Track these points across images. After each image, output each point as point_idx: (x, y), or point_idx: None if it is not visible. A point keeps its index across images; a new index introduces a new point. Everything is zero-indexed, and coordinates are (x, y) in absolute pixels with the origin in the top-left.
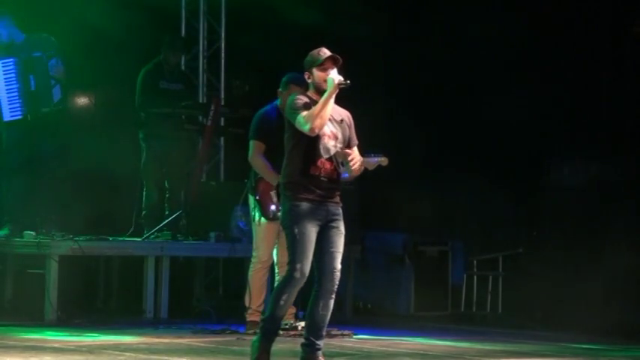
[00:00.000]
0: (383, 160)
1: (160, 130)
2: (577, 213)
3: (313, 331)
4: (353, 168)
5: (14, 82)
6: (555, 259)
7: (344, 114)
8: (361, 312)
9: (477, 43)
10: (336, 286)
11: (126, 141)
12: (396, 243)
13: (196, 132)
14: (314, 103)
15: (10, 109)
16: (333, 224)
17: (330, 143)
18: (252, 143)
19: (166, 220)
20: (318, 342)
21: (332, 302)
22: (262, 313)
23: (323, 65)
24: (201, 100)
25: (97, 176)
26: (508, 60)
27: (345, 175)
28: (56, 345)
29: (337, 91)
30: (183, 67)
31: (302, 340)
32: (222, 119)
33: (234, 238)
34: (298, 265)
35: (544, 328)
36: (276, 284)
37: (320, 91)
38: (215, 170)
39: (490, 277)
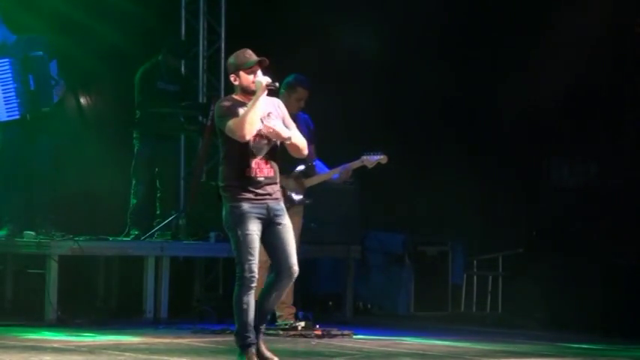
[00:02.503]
0: (382, 159)
1: (155, 130)
2: (577, 213)
3: (262, 321)
4: (269, 132)
5: (10, 82)
6: (555, 260)
7: (271, 105)
8: (361, 312)
9: (477, 42)
10: (293, 281)
11: (124, 141)
12: (396, 243)
13: (196, 132)
14: (241, 105)
15: (7, 109)
16: (278, 220)
17: (262, 142)
18: None
19: (166, 220)
20: (261, 327)
21: (283, 294)
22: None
23: (251, 68)
24: (201, 100)
25: (95, 176)
26: (508, 61)
27: (336, 177)
28: (56, 345)
29: (265, 92)
30: (183, 68)
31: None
32: None
33: None
34: (246, 266)
35: (544, 328)
36: (234, 293)
37: (247, 93)
38: (215, 170)
39: (490, 277)
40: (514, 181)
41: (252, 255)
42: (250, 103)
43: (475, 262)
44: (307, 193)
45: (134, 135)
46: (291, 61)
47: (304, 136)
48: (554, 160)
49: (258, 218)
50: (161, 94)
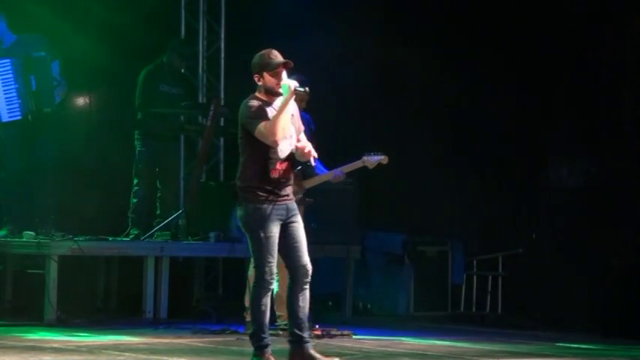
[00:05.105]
0: (383, 159)
1: (156, 131)
2: (576, 213)
3: (298, 325)
4: (306, 154)
5: (12, 82)
6: (555, 259)
7: (292, 106)
8: (361, 312)
9: (475, 41)
10: (310, 278)
11: (124, 141)
12: (396, 243)
13: (196, 132)
14: (267, 105)
15: (8, 109)
16: (293, 219)
17: (286, 144)
18: None
19: (167, 220)
20: (304, 334)
21: (308, 293)
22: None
23: (275, 70)
24: (200, 101)
25: (96, 176)
26: (508, 60)
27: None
28: (56, 345)
29: (293, 96)
30: (183, 70)
31: (289, 337)
32: (222, 119)
33: (234, 238)
34: (267, 268)
35: (544, 328)
36: (252, 294)
37: (271, 94)
38: (215, 170)
39: (490, 277)
40: (514, 181)
41: (272, 257)
42: (280, 107)
43: (475, 262)
44: (307, 193)
45: (135, 135)
46: (291, 61)
47: (305, 136)
48: (554, 160)
49: (279, 219)
50: (163, 97)
